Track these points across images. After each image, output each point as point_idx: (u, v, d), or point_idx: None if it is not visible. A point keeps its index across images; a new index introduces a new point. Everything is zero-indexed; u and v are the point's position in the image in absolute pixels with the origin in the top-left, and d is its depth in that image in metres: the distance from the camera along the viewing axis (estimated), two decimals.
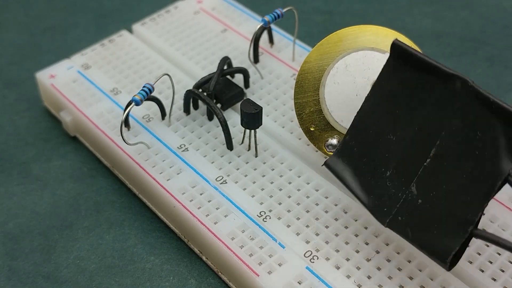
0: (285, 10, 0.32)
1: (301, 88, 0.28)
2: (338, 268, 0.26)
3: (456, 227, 0.23)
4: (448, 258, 0.23)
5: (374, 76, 0.26)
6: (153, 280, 0.28)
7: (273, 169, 0.29)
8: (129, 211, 0.30)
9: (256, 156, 0.29)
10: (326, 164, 0.26)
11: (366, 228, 0.27)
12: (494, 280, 0.25)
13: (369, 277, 0.25)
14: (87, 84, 0.33)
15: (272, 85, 0.32)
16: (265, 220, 0.27)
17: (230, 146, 0.30)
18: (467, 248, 0.26)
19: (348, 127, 0.26)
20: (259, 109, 0.28)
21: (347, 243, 0.26)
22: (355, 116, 0.25)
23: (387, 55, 0.27)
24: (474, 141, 0.23)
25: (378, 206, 0.24)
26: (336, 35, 0.28)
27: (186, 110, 0.31)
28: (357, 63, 0.27)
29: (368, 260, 0.26)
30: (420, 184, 0.24)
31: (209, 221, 0.27)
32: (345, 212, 0.27)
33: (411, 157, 0.24)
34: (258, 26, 0.32)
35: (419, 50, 0.27)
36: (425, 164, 0.24)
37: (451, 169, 0.23)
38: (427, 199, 0.23)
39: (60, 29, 0.40)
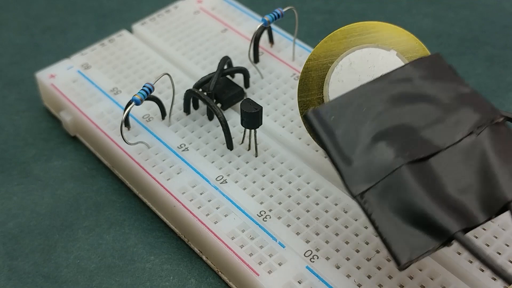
0: (285, 10, 0.32)
1: (305, 86, 0.28)
2: (338, 267, 0.26)
3: (435, 231, 0.21)
4: (406, 262, 0.21)
5: (379, 74, 0.26)
6: (153, 280, 0.28)
7: (273, 169, 0.29)
8: (129, 211, 0.30)
9: (256, 156, 0.29)
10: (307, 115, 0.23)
11: (366, 227, 0.27)
12: (494, 280, 0.25)
13: (369, 277, 0.25)
14: (87, 84, 0.33)
15: (272, 84, 0.32)
16: (265, 219, 0.27)
17: (230, 145, 0.30)
18: None
19: None
20: (259, 109, 0.28)
21: (347, 242, 0.26)
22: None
23: (392, 52, 0.26)
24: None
25: (358, 171, 0.22)
26: (340, 32, 0.28)
27: (186, 110, 0.31)
28: (362, 60, 0.27)
29: (368, 259, 0.26)
30: (419, 167, 0.22)
31: (209, 221, 0.27)
32: (345, 212, 0.27)
33: (416, 136, 0.22)
34: (258, 26, 0.32)
35: (426, 50, 0.27)
36: (433, 152, 0.22)
37: (457, 175, 0.22)
38: (420, 187, 0.21)
39: (60, 29, 0.40)
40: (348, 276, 0.25)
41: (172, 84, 0.30)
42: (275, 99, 0.32)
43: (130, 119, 0.31)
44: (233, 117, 0.31)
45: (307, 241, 0.26)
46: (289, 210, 0.27)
